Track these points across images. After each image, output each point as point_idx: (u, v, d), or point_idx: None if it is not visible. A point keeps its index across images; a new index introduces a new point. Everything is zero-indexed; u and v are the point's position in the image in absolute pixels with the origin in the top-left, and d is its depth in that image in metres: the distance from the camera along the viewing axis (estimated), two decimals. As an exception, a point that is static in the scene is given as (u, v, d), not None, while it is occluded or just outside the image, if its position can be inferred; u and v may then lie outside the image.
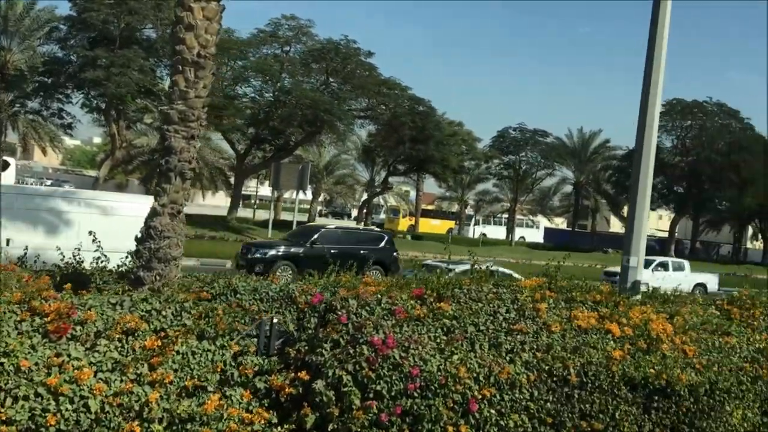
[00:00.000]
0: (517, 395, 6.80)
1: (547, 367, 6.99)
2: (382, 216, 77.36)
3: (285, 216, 58.80)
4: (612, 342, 7.60)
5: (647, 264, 31.19)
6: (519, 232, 73.84)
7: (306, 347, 6.59)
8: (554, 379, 7.02)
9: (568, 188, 65.05)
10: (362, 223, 40.51)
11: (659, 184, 55.98)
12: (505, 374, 6.74)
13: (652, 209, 63.00)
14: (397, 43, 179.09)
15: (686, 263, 34.22)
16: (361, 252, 21.85)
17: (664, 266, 32.14)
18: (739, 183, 50.41)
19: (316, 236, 22.54)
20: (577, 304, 8.00)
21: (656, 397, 7.52)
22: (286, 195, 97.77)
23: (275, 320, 6.67)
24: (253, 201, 73.50)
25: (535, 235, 74.59)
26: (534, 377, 6.90)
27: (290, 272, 20.45)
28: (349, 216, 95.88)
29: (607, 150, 61.04)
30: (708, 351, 8.23)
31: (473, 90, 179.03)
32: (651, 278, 25.03)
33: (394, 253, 23.81)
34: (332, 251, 20.25)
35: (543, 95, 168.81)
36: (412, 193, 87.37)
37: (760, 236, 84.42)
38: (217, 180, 42.11)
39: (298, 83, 31.23)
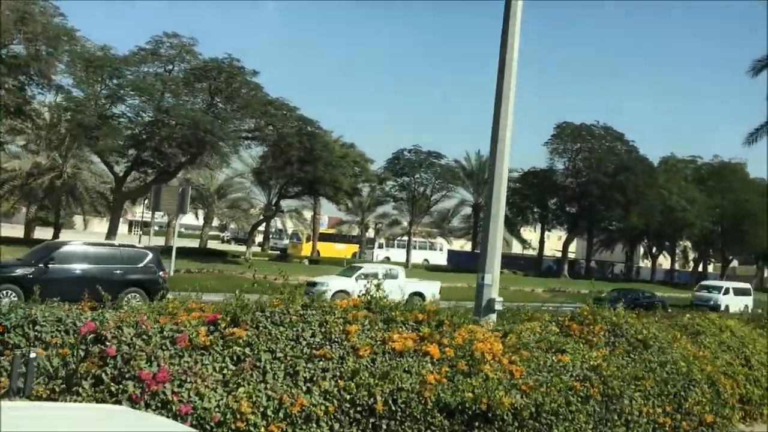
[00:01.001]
0: (313, 429, 6.11)
1: (349, 396, 6.35)
2: (286, 241, 76.19)
3: (182, 242, 56.93)
4: (429, 365, 7.05)
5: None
6: (423, 255, 74.26)
7: (63, 385, 5.69)
8: (358, 409, 6.37)
9: (468, 210, 66.07)
10: (252, 247, 39.14)
11: (553, 205, 57.66)
12: (299, 406, 6.04)
13: (548, 230, 64.91)
14: (299, 64, 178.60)
15: (400, 270, 31.58)
16: (116, 273, 19.25)
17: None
18: (624, 203, 52.42)
19: (52, 255, 18.81)
20: (397, 325, 7.42)
21: (477, 423, 6.99)
22: (185, 220, 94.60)
23: (33, 354, 5.73)
24: (143, 227, 70.71)
25: (439, 258, 75.22)
26: (333, 408, 6.23)
27: (15, 297, 17.41)
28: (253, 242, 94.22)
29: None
30: (538, 370, 7.81)
31: (375, 113, 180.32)
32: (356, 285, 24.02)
33: (160, 273, 20.62)
34: (75, 272, 18.34)
35: (443, 118, 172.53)
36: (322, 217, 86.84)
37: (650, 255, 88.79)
38: (100, 205, 39.82)
39: (177, 103, 29.98)
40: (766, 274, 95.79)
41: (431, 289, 30.10)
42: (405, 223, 58.39)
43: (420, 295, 27.98)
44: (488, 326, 9.01)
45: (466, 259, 71.12)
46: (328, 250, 68.85)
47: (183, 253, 39.64)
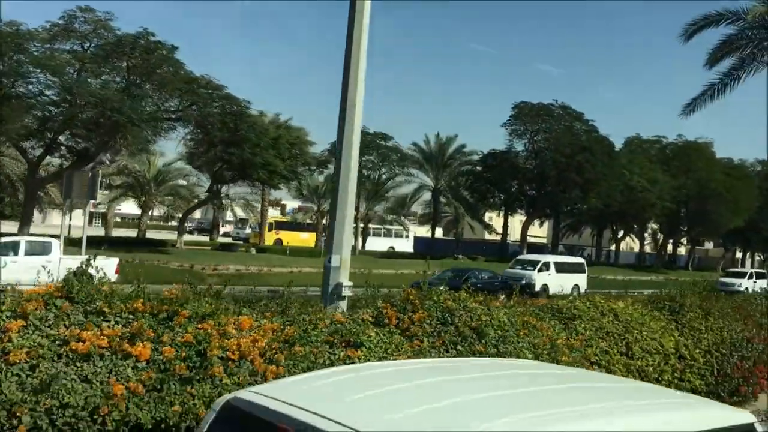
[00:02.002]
0: None
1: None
2: (248, 231, 74.24)
3: (121, 232, 54.51)
4: (129, 370, 5.35)
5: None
6: (389, 242, 72.76)
7: None
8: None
9: (428, 195, 64.36)
10: (193, 236, 37.09)
11: (512, 187, 56.09)
12: None
13: (511, 214, 63.47)
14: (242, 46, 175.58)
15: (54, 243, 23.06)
16: None
17: None
18: (582, 184, 51.02)
19: None
20: (104, 318, 5.71)
21: None
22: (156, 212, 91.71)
23: None
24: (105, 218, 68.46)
25: (405, 245, 73.62)
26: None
27: None
28: (217, 232, 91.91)
29: (463, 155, 60.70)
30: (308, 370, 6.16)
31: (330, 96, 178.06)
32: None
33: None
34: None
35: (401, 99, 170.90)
36: (290, 205, 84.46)
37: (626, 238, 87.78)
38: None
39: (82, 80, 27.86)
40: (737, 256, 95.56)
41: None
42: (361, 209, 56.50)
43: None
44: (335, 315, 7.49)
45: (434, 245, 69.68)
46: (292, 238, 67.07)
47: (118, 243, 37.75)
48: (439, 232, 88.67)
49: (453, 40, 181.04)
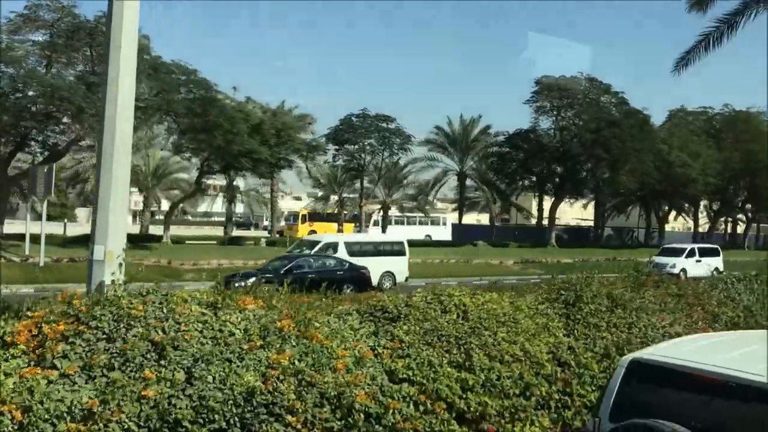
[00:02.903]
0: None
1: None
2: (282, 223, 73.10)
3: (154, 230, 53.82)
4: None
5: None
6: (426, 230, 70.20)
7: None
8: None
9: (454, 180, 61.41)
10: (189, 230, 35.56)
11: (539, 168, 52.65)
12: None
13: (544, 196, 59.77)
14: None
15: None
16: None
17: None
18: (611, 161, 47.33)
19: None
20: None
21: None
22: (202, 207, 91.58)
23: None
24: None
25: (443, 233, 70.91)
26: None
27: None
28: (256, 226, 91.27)
29: (488, 137, 57.58)
30: None
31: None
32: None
33: None
34: None
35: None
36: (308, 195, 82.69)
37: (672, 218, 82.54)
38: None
39: (32, 70, 26.56)
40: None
41: None
42: (380, 198, 54.30)
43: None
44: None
45: (473, 233, 66.77)
46: (326, 229, 65.44)
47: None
48: (485, 218, 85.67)
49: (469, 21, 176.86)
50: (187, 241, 42.50)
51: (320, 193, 59.92)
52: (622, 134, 46.44)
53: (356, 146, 43.72)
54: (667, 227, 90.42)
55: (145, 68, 28.09)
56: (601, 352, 8.74)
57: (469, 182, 61.64)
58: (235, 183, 49.23)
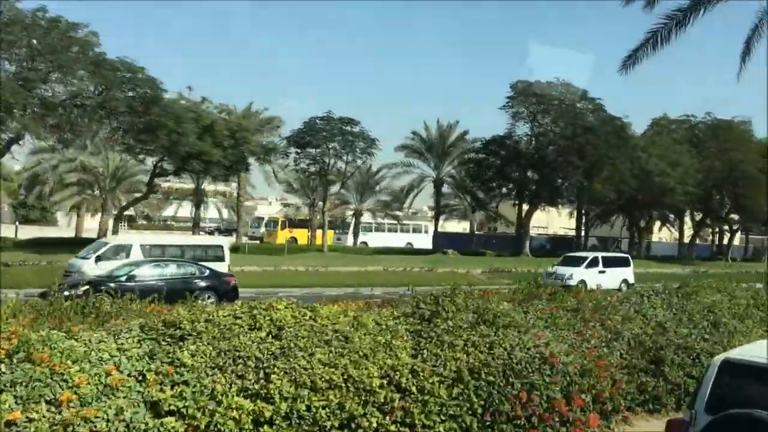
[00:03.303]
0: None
1: None
2: (262, 229, 71.77)
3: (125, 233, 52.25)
4: None
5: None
6: (407, 238, 68.88)
7: None
8: None
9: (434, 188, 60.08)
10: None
11: (515, 175, 51.39)
12: None
13: (513, 204, 58.39)
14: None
15: None
16: None
17: None
18: (586, 168, 46.12)
19: None
20: None
21: None
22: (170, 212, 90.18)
23: None
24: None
25: (425, 241, 69.57)
26: None
27: None
28: (229, 233, 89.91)
29: (466, 143, 56.36)
30: None
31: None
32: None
33: None
34: None
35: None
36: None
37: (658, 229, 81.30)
38: None
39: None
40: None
41: None
42: (353, 204, 53.03)
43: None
44: None
45: (455, 241, 65.46)
46: (302, 236, 64.19)
47: (48, 243, 35.08)
48: (460, 227, 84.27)
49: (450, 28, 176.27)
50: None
51: (291, 200, 58.53)
52: (598, 141, 45.27)
53: (318, 149, 42.41)
54: (655, 237, 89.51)
55: (87, 64, 26.89)
56: (452, 376, 7.50)
57: (448, 190, 60.50)
58: (203, 187, 48.00)
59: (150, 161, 35.58)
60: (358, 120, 41.99)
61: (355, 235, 56.95)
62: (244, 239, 64.01)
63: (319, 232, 64.24)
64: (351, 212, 56.12)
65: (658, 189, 49.35)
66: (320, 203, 52.15)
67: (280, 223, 66.41)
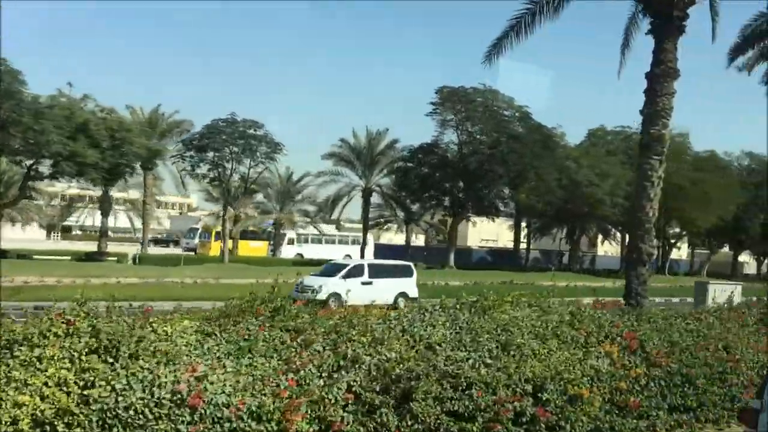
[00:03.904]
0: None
1: None
2: (196, 240, 68.89)
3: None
4: None
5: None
6: (345, 250, 66.63)
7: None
8: None
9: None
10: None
11: (441, 184, 49.62)
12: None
13: (443, 215, 56.66)
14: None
15: None
16: None
17: None
18: (510, 177, 44.60)
19: None
20: None
21: None
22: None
23: None
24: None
25: (365, 253, 67.35)
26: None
27: None
28: (176, 243, 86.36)
29: (396, 151, 54.42)
30: None
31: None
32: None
33: None
34: None
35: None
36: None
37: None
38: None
39: None
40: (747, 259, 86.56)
41: None
42: (274, 213, 50.64)
43: None
44: None
45: (394, 253, 63.41)
46: (243, 248, 61.62)
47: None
48: (398, 238, 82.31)
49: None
50: (36, 256, 38.40)
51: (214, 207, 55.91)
52: (523, 149, 43.72)
53: (217, 153, 39.98)
54: (602, 250, 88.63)
55: None
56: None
57: (380, 200, 58.48)
58: (111, 193, 45.13)
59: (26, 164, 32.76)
60: (262, 123, 39.68)
61: (276, 245, 54.61)
62: (179, 250, 61.15)
63: (241, 242, 62.06)
64: (271, 222, 53.60)
65: (587, 200, 48.03)
66: (232, 211, 49.71)
67: (213, 233, 63.71)
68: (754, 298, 15.73)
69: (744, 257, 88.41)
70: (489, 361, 8.76)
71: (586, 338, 9.93)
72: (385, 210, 60.31)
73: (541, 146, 45.44)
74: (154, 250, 65.25)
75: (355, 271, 25.99)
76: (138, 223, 52.19)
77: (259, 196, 49.07)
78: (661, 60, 14.02)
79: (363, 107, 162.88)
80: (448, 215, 50.83)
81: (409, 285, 26.72)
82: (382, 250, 67.37)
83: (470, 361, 8.61)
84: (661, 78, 14.00)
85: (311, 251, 62.35)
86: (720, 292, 16.06)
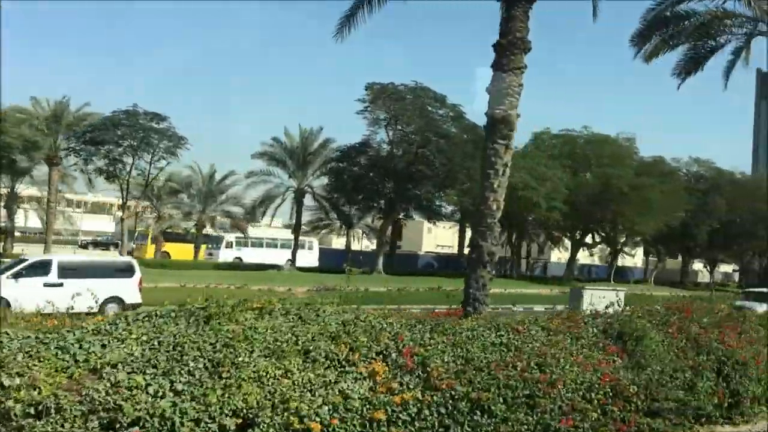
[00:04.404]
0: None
1: None
2: (132, 244, 65.94)
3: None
4: None
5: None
6: (288, 255, 64.22)
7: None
8: None
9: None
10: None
11: (371, 185, 47.47)
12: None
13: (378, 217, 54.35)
14: None
15: None
16: None
17: None
18: (439, 178, 42.65)
19: None
20: None
21: None
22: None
23: None
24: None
25: (309, 258, 64.87)
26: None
27: None
28: (116, 245, 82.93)
29: (331, 151, 52.26)
30: None
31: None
32: None
33: None
34: None
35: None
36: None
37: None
38: None
39: None
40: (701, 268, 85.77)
41: None
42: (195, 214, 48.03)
43: None
44: None
45: (338, 257, 61.12)
46: (178, 251, 58.95)
47: None
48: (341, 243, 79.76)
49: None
50: None
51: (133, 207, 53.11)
52: (453, 150, 41.77)
53: (109, 147, 37.30)
54: (553, 257, 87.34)
55: None
56: None
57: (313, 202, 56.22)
58: (17, 191, 42.22)
59: None
60: (166, 116, 37.04)
61: (197, 248, 52.09)
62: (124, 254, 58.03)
63: (174, 244, 59.41)
64: (192, 223, 51.05)
65: (522, 204, 46.24)
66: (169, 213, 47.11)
67: (150, 236, 61.03)
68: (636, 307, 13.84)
69: (699, 265, 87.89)
70: (181, 387, 6.60)
71: (347, 355, 7.81)
72: (321, 213, 58.13)
73: (474, 147, 43.47)
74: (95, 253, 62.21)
75: (35, 270, 20.78)
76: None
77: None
78: (509, 29, 12.06)
79: (304, 107, 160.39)
80: (380, 218, 48.66)
81: (127, 287, 21.68)
82: (326, 255, 65.19)
83: (151, 389, 6.44)
84: (507, 50, 12.03)
85: (251, 255, 59.97)
86: (599, 298, 14.08)
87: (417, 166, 41.32)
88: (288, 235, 74.25)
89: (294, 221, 53.45)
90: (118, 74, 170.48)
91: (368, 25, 13.44)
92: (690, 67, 21.75)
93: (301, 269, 52.56)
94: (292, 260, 60.81)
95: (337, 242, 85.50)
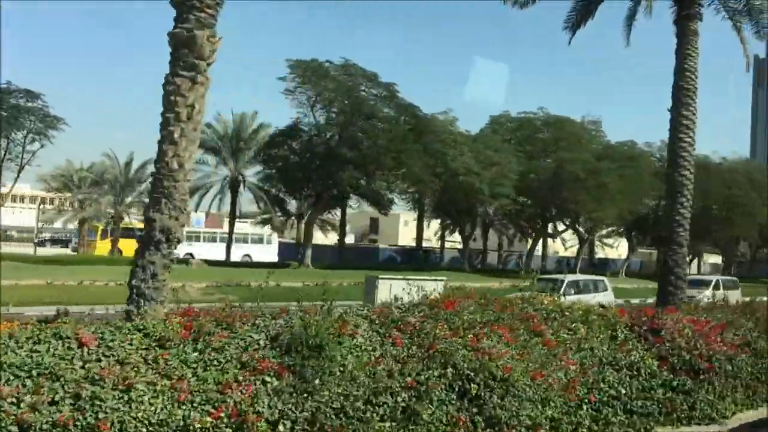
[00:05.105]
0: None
1: None
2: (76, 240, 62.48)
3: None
4: None
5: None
6: (246, 250, 60.71)
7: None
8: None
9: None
10: None
11: (296, 171, 43.74)
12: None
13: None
14: None
15: None
16: None
17: None
18: (363, 163, 38.97)
19: None
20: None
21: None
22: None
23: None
24: None
25: (268, 253, 61.30)
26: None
27: None
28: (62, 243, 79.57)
29: (266, 137, 48.64)
30: None
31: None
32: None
33: None
34: None
35: None
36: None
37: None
38: None
39: None
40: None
41: None
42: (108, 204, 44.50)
43: None
44: None
45: (293, 252, 57.71)
46: (131, 248, 55.33)
47: None
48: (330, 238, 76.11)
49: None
50: None
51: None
52: (378, 132, 38.14)
53: None
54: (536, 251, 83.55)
55: None
56: None
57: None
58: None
59: None
60: (40, 93, 33.38)
61: (113, 243, 48.57)
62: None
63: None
64: (109, 215, 47.57)
65: (464, 190, 42.64)
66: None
67: (99, 232, 57.36)
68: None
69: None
70: None
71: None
72: (263, 203, 54.65)
73: (409, 129, 39.94)
74: (51, 250, 59.02)
75: None
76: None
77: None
78: None
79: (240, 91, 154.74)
80: (308, 207, 45.09)
81: None
82: (288, 249, 61.73)
83: None
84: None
85: (204, 251, 56.38)
86: (399, 288, 10.75)
87: (340, 149, 37.64)
88: (249, 229, 70.79)
89: (229, 212, 49.85)
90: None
91: None
92: (581, 17, 18.28)
93: (260, 264, 48.59)
94: (249, 255, 57.63)
95: (318, 238, 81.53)
